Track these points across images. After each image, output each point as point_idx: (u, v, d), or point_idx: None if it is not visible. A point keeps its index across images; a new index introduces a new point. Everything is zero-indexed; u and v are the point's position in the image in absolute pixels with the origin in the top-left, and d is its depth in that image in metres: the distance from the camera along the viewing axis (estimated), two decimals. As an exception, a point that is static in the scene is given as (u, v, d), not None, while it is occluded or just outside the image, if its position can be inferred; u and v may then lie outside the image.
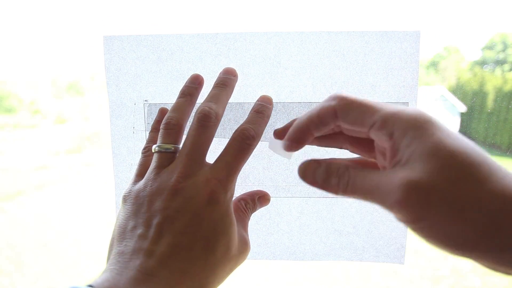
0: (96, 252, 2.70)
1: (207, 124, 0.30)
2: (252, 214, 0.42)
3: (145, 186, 0.29)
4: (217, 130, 0.42)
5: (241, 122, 0.41)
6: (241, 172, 0.44)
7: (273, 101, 0.41)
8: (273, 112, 0.41)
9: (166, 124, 0.31)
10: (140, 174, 0.31)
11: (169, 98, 0.41)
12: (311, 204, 0.42)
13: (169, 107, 0.42)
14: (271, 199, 0.42)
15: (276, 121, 0.41)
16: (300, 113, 0.41)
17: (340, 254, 0.43)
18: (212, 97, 0.33)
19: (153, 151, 0.31)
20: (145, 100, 0.41)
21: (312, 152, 0.41)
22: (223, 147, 0.31)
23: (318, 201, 0.42)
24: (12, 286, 2.27)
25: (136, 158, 0.42)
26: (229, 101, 0.41)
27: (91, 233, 3.07)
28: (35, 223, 3.33)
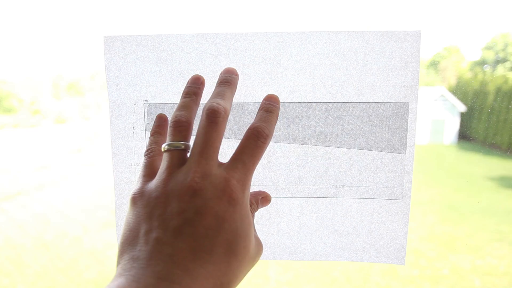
0: (95, 252, 2.70)
1: (216, 120, 0.29)
2: (252, 214, 0.42)
3: (157, 187, 0.28)
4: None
5: (241, 122, 0.42)
6: None
7: None
8: None
9: (175, 122, 0.30)
10: (147, 175, 0.30)
11: (169, 98, 0.41)
12: (311, 204, 0.42)
13: (169, 107, 0.42)
14: (271, 199, 0.42)
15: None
16: (300, 113, 0.41)
17: (340, 254, 0.43)
18: (218, 94, 0.32)
19: (162, 150, 0.30)
20: (145, 100, 0.41)
21: (311, 152, 0.41)
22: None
23: (318, 201, 0.42)
24: (12, 286, 2.27)
25: (136, 158, 0.42)
26: (229, 101, 0.41)
27: (90, 233, 3.06)
28: (35, 223, 3.33)
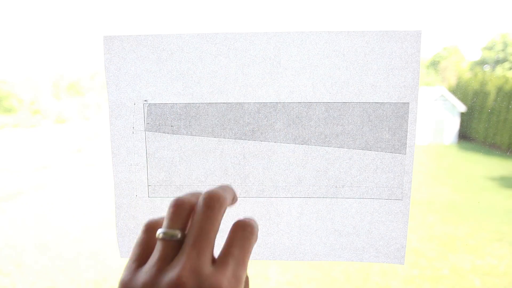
0: (95, 252, 2.70)
1: (213, 205, 0.27)
2: (252, 214, 0.42)
3: (144, 284, 0.25)
4: (217, 130, 0.42)
5: (241, 122, 0.41)
6: (241, 172, 0.44)
7: (273, 101, 0.41)
8: (273, 112, 0.41)
9: (177, 201, 0.28)
10: (138, 259, 0.28)
11: (169, 98, 0.41)
12: (311, 204, 0.42)
13: (169, 107, 0.42)
14: (271, 199, 0.42)
15: (276, 121, 0.41)
16: (300, 113, 0.41)
17: (340, 254, 0.43)
18: (218, 187, 0.30)
19: (157, 237, 0.27)
20: (145, 100, 0.41)
21: (311, 152, 0.41)
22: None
23: (318, 201, 0.42)
24: (12, 286, 2.27)
25: (135, 158, 0.42)
26: (229, 101, 0.41)
27: (90, 233, 3.06)
28: (35, 223, 3.33)
